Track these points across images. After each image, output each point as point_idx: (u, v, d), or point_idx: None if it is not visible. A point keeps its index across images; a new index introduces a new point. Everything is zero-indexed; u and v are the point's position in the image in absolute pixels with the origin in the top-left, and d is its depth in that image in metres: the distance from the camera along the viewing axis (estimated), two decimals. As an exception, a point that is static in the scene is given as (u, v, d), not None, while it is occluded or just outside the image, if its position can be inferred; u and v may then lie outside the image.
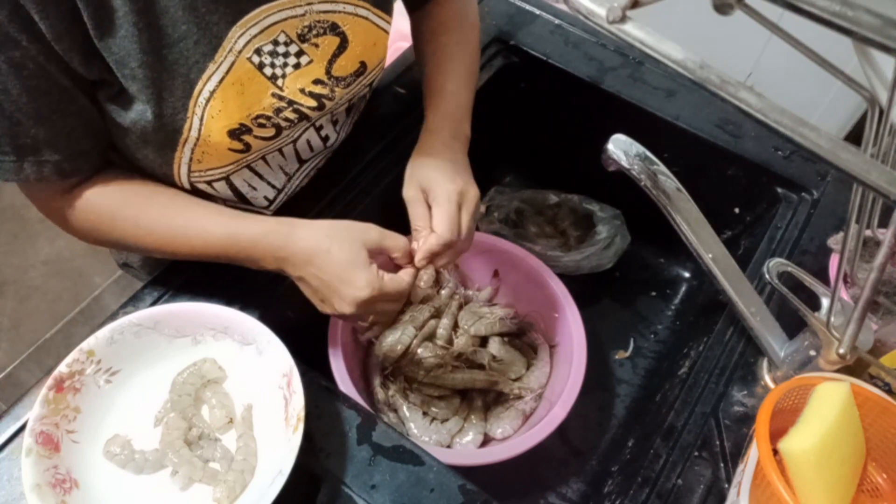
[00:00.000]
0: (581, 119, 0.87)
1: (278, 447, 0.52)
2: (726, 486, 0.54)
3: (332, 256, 0.54)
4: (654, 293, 0.90)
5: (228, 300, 0.62)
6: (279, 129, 0.59)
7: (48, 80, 0.48)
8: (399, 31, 0.83)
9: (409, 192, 0.62)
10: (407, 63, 0.84)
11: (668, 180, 0.58)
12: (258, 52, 0.54)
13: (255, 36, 0.54)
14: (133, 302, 0.62)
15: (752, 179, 0.77)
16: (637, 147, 0.59)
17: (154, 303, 0.62)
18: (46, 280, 1.61)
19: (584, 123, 0.87)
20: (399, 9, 0.78)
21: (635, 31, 0.31)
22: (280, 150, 0.63)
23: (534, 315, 0.77)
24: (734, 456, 0.56)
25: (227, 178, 0.62)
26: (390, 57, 0.74)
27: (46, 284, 1.60)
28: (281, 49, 0.56)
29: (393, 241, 0.59)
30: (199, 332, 0.58)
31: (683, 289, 0.91)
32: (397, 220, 0.62)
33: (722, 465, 0.55)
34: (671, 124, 0.78)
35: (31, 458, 0.49)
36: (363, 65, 0.62)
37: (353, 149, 0.74)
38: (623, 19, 0.31)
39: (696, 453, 0.56)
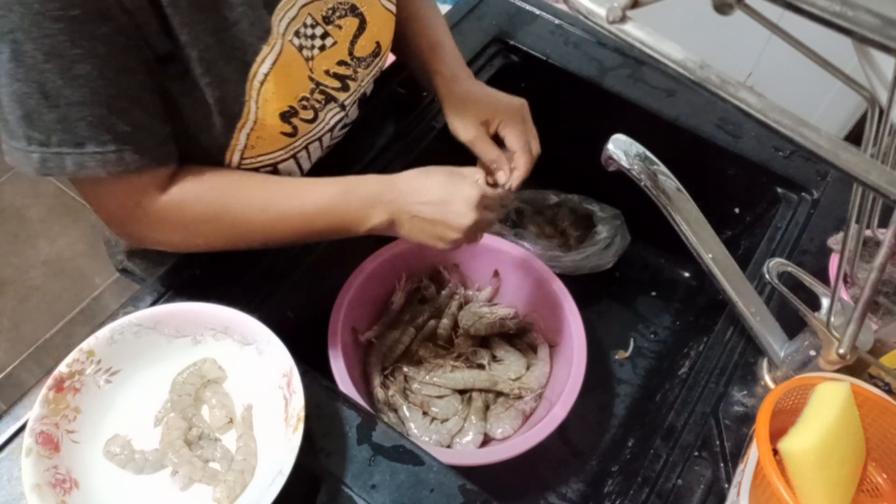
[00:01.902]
0: (581, 119, 0.87)
1: (278, 447, 0.52)
2: (726, 486, 0.54)
3: (433, 179, 0.56)
4: (654, 293, 0.90)
5: (228, 300, 0.62)
6: (316, 112, 0.60)
7: (136, 56, 0.47)
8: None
9: (470, 133, 0.63)
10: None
11: (668, 180, 0.58)
12: (297, 34, 0.56)
13: (292, 19, 0.55)
14: (133, 302, 0.62)
15: (752, 179, 0.77)
16: (637, 147, 0.59)
17: (154, 303, 0.62)
18: (46, 280, 1.61)
19: (584, 123, 0.87)
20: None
21: (635, 31, 0.31)
22: (320, 140, 0.64)
23: (534, 315, 0.77)
24: (734, 456, 0.56)
25: (274, 167, 0.61)
26: (390, 57, 0.74)
27: (46, 284, 1.60)
28: (309, 31, 0.57)
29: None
30: (199, 332, 0.58)
31: (683, 289, 0.90)
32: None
33: (722, 465, 0.55)
34: (671, 124, 0.78)
35: (31, 458, 0.49)
36: (378, 45, 0.64)
37: (353, 149, 0.74)
38: (623, 19, 0.31)
39: (696, 453, 0.56)
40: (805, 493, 0.47)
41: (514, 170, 0.62)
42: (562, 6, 0.92)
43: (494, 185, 0.62)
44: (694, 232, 0.58)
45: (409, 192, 0.56)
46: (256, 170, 0.60)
